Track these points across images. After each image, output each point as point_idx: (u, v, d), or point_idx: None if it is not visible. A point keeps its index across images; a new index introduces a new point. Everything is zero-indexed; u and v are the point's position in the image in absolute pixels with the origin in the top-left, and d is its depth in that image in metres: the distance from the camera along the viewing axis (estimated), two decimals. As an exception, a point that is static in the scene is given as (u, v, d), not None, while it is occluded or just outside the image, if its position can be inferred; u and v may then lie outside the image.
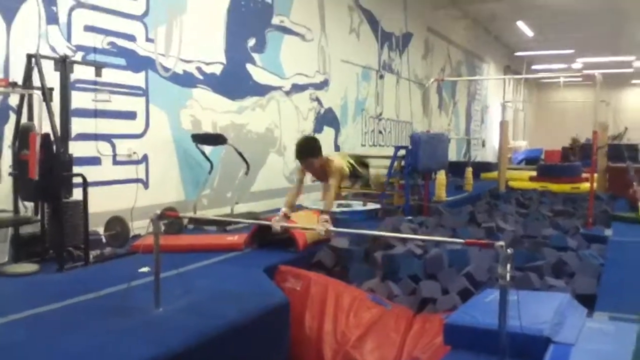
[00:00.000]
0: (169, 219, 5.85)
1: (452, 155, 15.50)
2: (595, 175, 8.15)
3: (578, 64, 23.24)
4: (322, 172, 4.36)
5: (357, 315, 4.20)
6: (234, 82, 7.61)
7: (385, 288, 4.76)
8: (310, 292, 4.37)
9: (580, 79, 25.19)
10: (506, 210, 8.49)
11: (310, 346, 4.11)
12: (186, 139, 6.67)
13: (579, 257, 5.29)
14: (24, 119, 4.72)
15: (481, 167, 14.99)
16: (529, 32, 18.87)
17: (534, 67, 25.50)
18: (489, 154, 21.59)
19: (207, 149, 6.83)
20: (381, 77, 12.35)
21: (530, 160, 20.22)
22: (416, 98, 14.40)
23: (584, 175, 12.00)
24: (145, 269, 4.22)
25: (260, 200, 8.04)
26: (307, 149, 4.18)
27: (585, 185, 10.13)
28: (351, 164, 4.73)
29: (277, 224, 4.24)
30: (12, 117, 4.84)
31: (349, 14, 10.82)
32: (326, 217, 4.09)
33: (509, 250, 2.58)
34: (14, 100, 4.86)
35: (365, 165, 5.05)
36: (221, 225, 6.31)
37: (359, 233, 5.30)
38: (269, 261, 4.85)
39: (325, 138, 9.98)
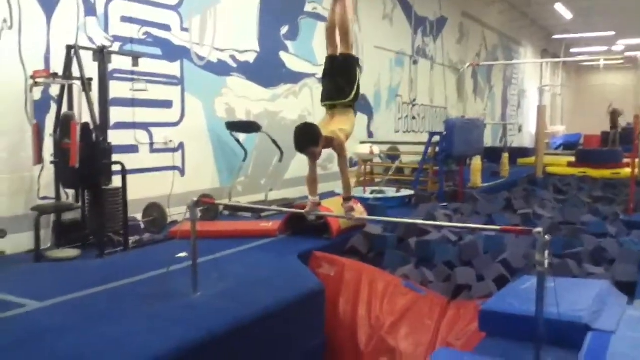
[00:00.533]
0: (205, 206, 5.95)
1: (488, 140, 15.26)
2: (637, 160, 7.92)
3: (619, 46, 22.53)
4: (328, 147, 3.83)
5: (391, 301, 4.21)
6: (267, 70, 7.64)
7: (420, 274, 4.75)
8: (345, 277, 4.40)
9: (621, 61, 24.40)
10: (543, 197, 8.34)
11: (344, 331, 4.14)
12: (221, 126, 6.74)
13: (619, 243, 5.18)
14: (64, 109, 4.84)
15: (518, 153, 14.73)
16: (567, 15, 18.34)
17: (572, 50, 24.84)
18: (525, 140, 21.19)
19: (241, 136, 6.89)
20: (415, 62, 12.22)
21: (569, 145, 19.75)
22: (451, 83, 14.21)
23: (625, 160, 11.68)
24: (183, 255, 4.31)
25: (294, 187, 8.08)
26: (308, 140, 3.63)
27: (626, 171, 9.85)
28: (347, 103, 3.89)
29: (310, 214, 4.13)
30: (53, 107, 4.97)
31: (382, 0, 10.71)
32: (349, 204, 3.96)
33: (546, 237, 2.55)
34: (54, 90, 4.99)
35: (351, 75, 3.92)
36: (256, 212, 6.38)
37: (392, 221, 5.31)
38: (303, 247, 4.90)
39: (358, 125, 9.92)
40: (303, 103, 8.41)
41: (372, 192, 7.83)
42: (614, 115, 14.87)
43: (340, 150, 3.84)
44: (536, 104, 15.38)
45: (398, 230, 5.61)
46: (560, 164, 12.92)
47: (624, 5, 16.93)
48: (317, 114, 8.64)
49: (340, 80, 3.95)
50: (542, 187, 9.76)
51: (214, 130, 6.80)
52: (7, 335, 2.96)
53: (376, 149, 8.14)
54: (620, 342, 2.75)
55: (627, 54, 21.21)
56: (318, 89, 8.61)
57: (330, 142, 3.77)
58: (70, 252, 4.67)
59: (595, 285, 3.60)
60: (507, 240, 5.16)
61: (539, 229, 2.60)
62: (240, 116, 7.19)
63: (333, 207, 5.25)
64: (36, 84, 4.69)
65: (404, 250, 5.25)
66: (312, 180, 4.02)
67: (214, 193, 6.48)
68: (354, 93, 3.93)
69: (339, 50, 4.01)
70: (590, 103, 29.60)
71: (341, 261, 4.62)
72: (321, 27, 8.67)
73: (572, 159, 13.11)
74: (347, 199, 3.96)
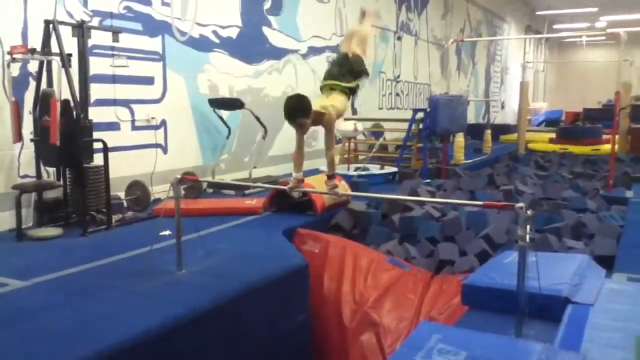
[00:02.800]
0: (189, 183, 5.92)
1: (471, 117, 15.34)
2: (617, 136, 8.02)
3: (602, 22, 22.58)
4: (317, 123, 3.90)
5: (375, 276, 4.25)
6: (250, 46, 7.56)
7: (403, 250, 4.80)
8: (329, 254, 4.43)
9: (603, 38, 24.50)
10: (525, 173, 8.44)
11: (329, 307, 4.18)
12: (204, 103, 6.67)
13: (599, 218, 5.27)
14: (43, 85, 4.75)
15: (500, 130, 14.85)
16: (551, -10, 18.38)
17: (555, 26, 24.86)
18: (508, 116, 21.31)
19: (225, 113, 6.83)
20: (399, 38, 12.16)
21: (551, 122, 19.92)
22: (434, 59, 14.19)
23: (605, 137, 11.82)
24: (166, 232, 4.30)
25: (278, 164, 8.07)
26: (299, 110, 3.66)
27: (606, 147, 9.99)
28: (344, 89, 4.08)
29: (293, 191, 4.18)
30: (32, 84, 4.88)
31: (366, -26, 10.60)
32: (333, 182, 4.00)
33: (529, 212, 2.58)
34: (33, 67, 4.89)
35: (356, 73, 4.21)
36: (240, 189, 6.36)
37: (376, 197, 5.34)
38: (288, 224, 4.91)
39: (343, 101, 9.90)
40: (287, 79, 8.34)
41: (356, 169, 7.85)
42: None
43: (328, 125, 3.85)
44: (519, 80, 15.43)
45: (382, 206, 5.64)
46: (542, 140, 13.06)
47: (606, -19, 16.96)
48: (300, 91, 8.55)
49: (347, 70, 4.15)
50: (524, 164, 9.87)
51: (196, 107, 6.73)
52: (-10, 314, 2.95)
53: (360, 126, 8.14)
54: (599, 314, 2.81)
55: (610, 30, 21.29)
56: (302, 65, 8.62)
57: (320, 117, 3.78)
58: (53, 231, 4.63)
59: (575, 259, 3.67)
60: (489, 216, 5.22)
61: (521, 204, 2.62)
62: (224, 93, 7.12)
63: (316, 184, 5.25)
64: (14, 60, 4.58)
65: (387, 226, 5.29)
66: (299, 156, 3.99)
67: (197, 171, 6.44)
68: (354, 83, 4.17)
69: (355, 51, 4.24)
70: (573, 80, 29.82)
71: (325, 238, 4.64)
72: (304, 2, 8.59)
73: (554, 135, 13.24)
74: (331, 176, 3.98)
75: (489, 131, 11.96)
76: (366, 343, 3.92)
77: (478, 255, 4.50)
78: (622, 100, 8.79)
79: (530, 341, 2.56)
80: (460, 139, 9.80)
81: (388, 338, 3.87)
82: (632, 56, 18.23)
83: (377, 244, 4.94)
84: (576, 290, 3.08)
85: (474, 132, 12.98)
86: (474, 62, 17.56)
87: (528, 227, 2.57)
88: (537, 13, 22.73)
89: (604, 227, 4.92)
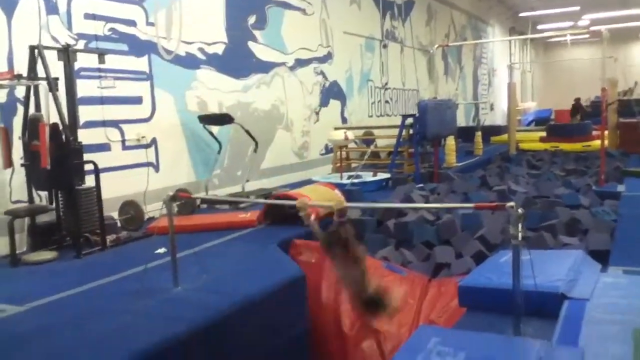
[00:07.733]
0: (182, 200, 5.91)
1: (461, 120, 15.41)
2: (606, 132, 8.08)
3: (585, 20, 22.80)
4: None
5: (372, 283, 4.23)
6: (237, 61, 7.59)
7: (400, 255, 4.81)
8: (326, 263, 4.40)
9: (587, 36, 24.75)
10: (518, 173, 8.48)
11: (328, 316, 4.17)
12: (193, 120, 6.68)
13: (592, 214, 5.29)
14: (31, 110, 4.75)
15: (491, 131, 14.91)
16: (533, -9, 18.59)
17: (539, 27, 25.08)
18: (498, 117, 21.42)
19: (215, 129, 6.85)
20: (385, 46, 12.23)
21: (540, 120, 20.04)
22: (421, 65, 14.27)
23: (595, 133, 11.90)
24: (161, 250, 4.29)
25: (270, 177, 8.08)
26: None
27: (597, 143, 10.05)
28: None
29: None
30: (20, 109, 4.88)
31: (349, -16, 10.69)
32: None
33: (519, 210, 2.59)
34: (20, 92, 4.89)
35: None
36: (233, 204, 6.36)
37: (372, 207, 5.35)
38: (283, 236, 4.90)
39: (332, 111, 9.96)
40: (275, 92, 8.37)
41: (349, 178, 7.86)
42: None
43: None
44: (506, 81, 15.53)
45: (376, 213, 5.65)
46: (533, 140, 13.12)
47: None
48: (289, 103, 8.64)
49: None
50: (515, 163, 9.91)
51: (186, 124, 6.74)
52: (-13, 341, 2.93)
53: (351, 135, 8.16)
54: (595, 308, 2.83)
55: (592, 28, 21.51)
56: (290, 77, 8.65)
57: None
58: (47, 255, 4.60)
59: (570, 255, 3.69)
60: (483, 217, 5.24)
61: (512, 203, 2.63)
62: (213, 109, 7.14)
63: (312, 194, 5.25)
64: (0, 86, 4.59)
65: (383, 232, 5.30)
66: None
67: (190, 187, 6.44)
68: None
69: None
70: (560, 78, 30.06)
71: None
72: (289, 15, 8.64)
73: (544, 134, 13.31)
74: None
75: (479, 133, 12.02)
76: (367, 350, 3.91)
77: (474, 256, 4.52)
78: (609, 96, 8.87)
79: (529, 339, 2.56)
80: (451, 142, 9.85)
81: (389, 344, 3.86)
82: (617, 52, 18.40)
83: (373, 250, 4.94)
84: (572, 286, 3.09)
85: (465, 134, 13.05)
86: (460, 66, 17.68)
87: (520, 225, 2.58)
88: (520, 15, 22.93)
89: (597, 222, 4.95)
